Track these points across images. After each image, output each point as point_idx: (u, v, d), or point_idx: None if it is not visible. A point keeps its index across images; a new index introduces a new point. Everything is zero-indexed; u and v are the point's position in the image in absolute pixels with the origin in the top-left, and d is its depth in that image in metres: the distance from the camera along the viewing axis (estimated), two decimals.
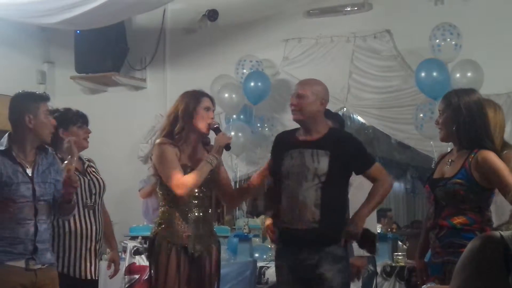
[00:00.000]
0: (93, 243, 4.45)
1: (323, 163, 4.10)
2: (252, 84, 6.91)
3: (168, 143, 4.22)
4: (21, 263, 3.89)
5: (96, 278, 4.51)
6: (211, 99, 4.38)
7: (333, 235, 4.09)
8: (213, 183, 4.34)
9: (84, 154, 4.65)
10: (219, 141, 4.18)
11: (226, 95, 6.90)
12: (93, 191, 4.47)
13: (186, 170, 4.17)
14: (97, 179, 4.54)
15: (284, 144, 4.28)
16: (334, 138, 4.19)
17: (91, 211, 4.45)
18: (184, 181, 4.11)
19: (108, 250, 6.50)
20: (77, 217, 4.39)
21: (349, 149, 4.19)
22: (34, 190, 3.94)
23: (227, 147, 4.21)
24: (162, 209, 4.29)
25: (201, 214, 4.26)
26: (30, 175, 3.96)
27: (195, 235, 4.22)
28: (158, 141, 4.30)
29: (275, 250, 4.38)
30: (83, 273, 4.41)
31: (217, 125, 4.28)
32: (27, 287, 3.91)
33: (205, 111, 4.25)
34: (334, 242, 4.09)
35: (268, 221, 4.29)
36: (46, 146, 4.11)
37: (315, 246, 4.09)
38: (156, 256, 4.23)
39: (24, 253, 3.90)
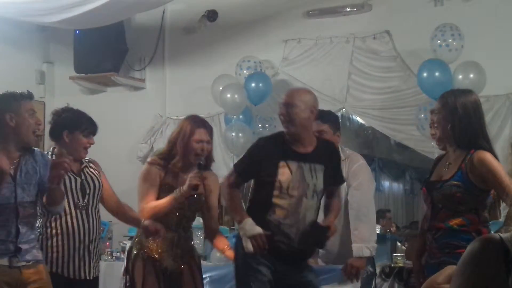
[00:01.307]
0: (86, 243, 4.44)
1: (320, 179, 4.09)
2: (253, 84, 6.91)
3: (155, 163, 4.39)
4: (4, 261, 3.86)
5: (91, 278, 4.49)
6: (207, 129, 4.41)
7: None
8: (198, 210, 4.47)
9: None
10: (189, 179, 4.23)
11: (229, 95, 6.89)
12: (87, 191, 4.46)
13: (165, 189, 4.32)
14: (92, 180, 4.52)
15: (276, 152, 4.09)
16: (325, 150, 4.17)
17: (83, 212, 4.43)
18: (146, 208, 4.27)
19: (107, 251, 6.54)
20: (68, 217, 4.38)
21: (336, 162, 4.22)
22: (16, 191, 3.91)
23: (194, 189, 4.23)
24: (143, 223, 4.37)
25: (180, 233, 4.39)
26: (12, 176, 3.92)
27: (170, 252, 4.29)
28: (150, 159, 4.51)
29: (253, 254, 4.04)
30: (76, 273, 4.40)
31: (201, 162, 4.32)
32: (12, 285, 3.87)
33: (196, 144, 4.32)
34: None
35: (260, 230, 4.01)
36: (34, 148, 4.08)
37: (302, 262, 4.18)
38: (132, 270, 4.30)
39: (6, 252, 3.87)
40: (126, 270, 4.40)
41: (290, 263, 4.09)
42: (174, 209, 4.32)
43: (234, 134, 6.88)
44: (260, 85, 6.93)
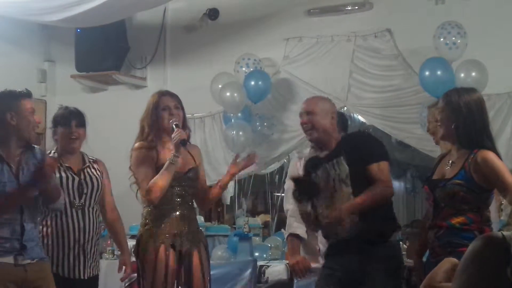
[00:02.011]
0: (81, 243, 4.44)
1: (343, 167, 4.07)
2: (252, 83, 6.91)
3: (142, 147, 4.32)
4: (9, 259, 3.87)
5: (86, 278, 4.48)
6: (173, 97, 4.41)
7: (380, 237, 4.07)
8: (194, 181, 4.41)
9: (85, 152, 4.67)
10: (173, 138, 4.20)
11: (228, 93, 6.89)
12: (84, 191, 4.47)
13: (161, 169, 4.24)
14: (91, 180, 4.52)
15: (309, 169, 4.22)
16: (346, 141, 4.21)
17: (79, 211, 4.44)
18: (150, 187, 4.17)
19: (108, 249, 6.54)
20: (63, 216, 4.40)
21: (359, 145, 4.18)
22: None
23: (183, 142, 4.19)
24: (146, 209, 4.34)
25: (185, 211, 4.34)
26: (15, 174, 3.94)
27: (181, 232, 4.26)
28: (135, 145, 4.38)
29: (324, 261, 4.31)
30: (71, 272, 4.41)
31: (175, 123, 4.28)
32: (18, 283, 3.88)
33: (163, 111, 4.31)
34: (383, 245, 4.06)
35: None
36: (34, 146, 4.10)
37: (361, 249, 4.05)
38: (143, 256, 4.26)
39: (11, 250, 3.89)
40: (136, 255, 4.37)
41: (351, 252, 4.06)
42: (174, 188, 4.27)
43: (234, 132, 6.87)
44: (260, 83, 6.93)
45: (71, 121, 4.52)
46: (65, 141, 4.51)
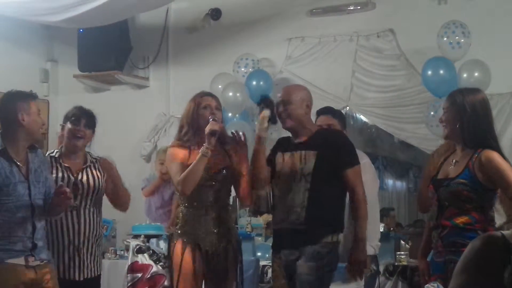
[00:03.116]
0: (76, 244, 4.42)
1: (309, 163, 4.20)
2: (254, 82, 6.91)
3: (176, 145, 4.35)
4: (21, 260, 3.91)
5: (82, 279, 4.45)
6: (213, 97, 4.44)
7: (318, 234, 4.20)
8: (230, 180, 4.38)
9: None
10: (206, 130, 4.18)
11: (231, 94, 6.89)
12: (79, 191, 4.45)
13: None
14: (88, 180, 4.49)
15: (279, 147, 4.42)
16: (321, 137, 4.29)
17: (74, 212, 4.43)
18: (181, 180, 4.17)
19: (111, 249, 6.54)
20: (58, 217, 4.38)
21: (335, 146, 4.25)
22: (29, 189, 3.98)
23: (213, 133, 4.17)
24: (179, 208, 4.37)
25: (216, 211, 4.32)
26: (25, 174, 3.98)
27: (209, 233, 4.26)
28: (170, 144, 4.48)
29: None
30: (66, 273, 4.38)
31: (215, 118, 4.28)
32: (28, 285, 3.92)
33: (205, 110, 4.31)
34: (318, 242, 4.18)
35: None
36: (36, 146, 4.13)
37: (299, 245, 4.20)
38: (171, 256, 4.28)
39: (23, 250, 3.92)
40: (168, 255, 4.40)
41: (289, 247, 4.24)
42: (205, 187, 4.25)
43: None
44: (261, 83, 6.93)
45: (81, 119, 4.53)
46: (70, 138, 4.51)
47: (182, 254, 4.23)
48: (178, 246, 4.26)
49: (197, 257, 4.24)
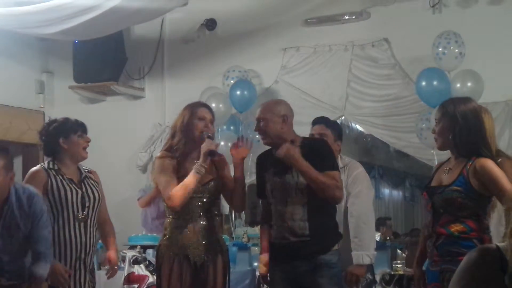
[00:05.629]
0: (82, 257, 4.44)
1: (301, 176, 4.16)
2: (238, 92, 6.93)
3: (165, 156, 4.31)
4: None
5: None
6: (209, 109, 4.42)
7: (325, 245, 4.22)
8: (219, 191, 4.39)
9: (84, 163, 4.66)
10: (202, 148, 4.20)
11: (213, 104, 6.90)
12: (86, 204, 4.46)
13: (182, 180, 4.22)
14: (92, 192, 4.52)
15: (265, 164, 4.37)
16: (306, 147, 4.25)
17: (81, 224, 4.44)
18: (172, 195, 4.16)
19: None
20: (67, 229, 4.39)
21: (318, 152, 4.24)
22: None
23: (211, 153, 4.21)
24: (167, 220, 4.34)
25: (204, 223, 4.30)
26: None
27: (197, 244, 4.25)
28: (158, 154, 4.42)
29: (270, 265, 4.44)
30: (71, 284, 4.39)
31: (209, 135, 4.30)
32: None
33: (199, 121, 4.30)
34: (328, 251, 4.20)
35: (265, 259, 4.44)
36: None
37: (308, 256, 4.19)
38: (159, 267, 4.27)
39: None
40: (156, 268, 4.39)
41: (296, 259, 4.20)
42: (194, 199, 4.24)
43: (223, 143, 6.84)
44: (245, 92, 6.95)
45: (86, 130, 4.56)
46: (78, 150, 4.51)
47: (171, 266, 4.23)
48: (166, 258, 4.25)
49: (185, 269, 4.23)
